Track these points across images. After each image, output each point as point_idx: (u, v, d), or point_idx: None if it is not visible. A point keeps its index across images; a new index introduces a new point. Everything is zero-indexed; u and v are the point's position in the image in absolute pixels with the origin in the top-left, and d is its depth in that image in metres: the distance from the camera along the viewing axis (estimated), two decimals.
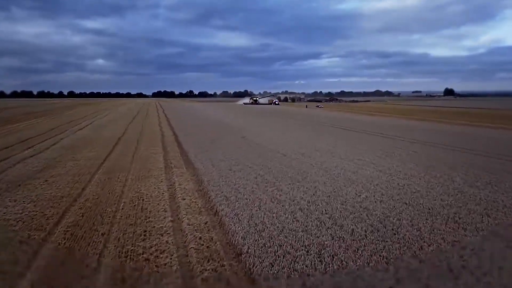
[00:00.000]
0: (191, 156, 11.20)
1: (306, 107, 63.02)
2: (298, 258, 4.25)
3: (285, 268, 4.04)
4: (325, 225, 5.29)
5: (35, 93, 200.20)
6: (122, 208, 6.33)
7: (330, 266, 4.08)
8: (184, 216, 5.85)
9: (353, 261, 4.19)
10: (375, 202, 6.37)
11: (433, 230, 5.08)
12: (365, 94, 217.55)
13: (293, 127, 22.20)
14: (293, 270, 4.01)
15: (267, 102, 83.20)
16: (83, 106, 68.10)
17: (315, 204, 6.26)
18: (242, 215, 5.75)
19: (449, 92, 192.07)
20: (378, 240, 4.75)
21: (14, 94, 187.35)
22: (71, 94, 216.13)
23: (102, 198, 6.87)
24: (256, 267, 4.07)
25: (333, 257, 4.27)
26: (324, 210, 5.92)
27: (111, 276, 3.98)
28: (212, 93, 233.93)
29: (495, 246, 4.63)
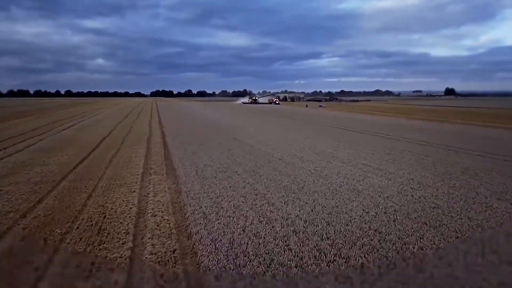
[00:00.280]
0: (175, 160, 9.99)
1: (306, 106, 61.58)
2: None
3: None
4: (326, 256, 4.08)
5: (32, 92, 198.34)
6: (77, 228, 5.12)
7: None
8: (148, 240, 4.64)
9: None
10: (388, 222, 5.16)
11: (468, 268, 3.87)
12: (365, 93, 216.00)
13: (292, 127, 20.97)
14: None
15: (267, 101, 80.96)
16: (79, 105, 66.89)
17: (313, 225, 5.05)
18: (220, 241, 4.54)
19: (450, 91, 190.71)
20: (397, 283, 3.54)
21: (11, 93, 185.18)
22: (69, 94, 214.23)
23: (56, 215, 5.65)
24: None
25: None
26: (324, 234, 4.71)
27: None
28: (211, 92, 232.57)
29: None
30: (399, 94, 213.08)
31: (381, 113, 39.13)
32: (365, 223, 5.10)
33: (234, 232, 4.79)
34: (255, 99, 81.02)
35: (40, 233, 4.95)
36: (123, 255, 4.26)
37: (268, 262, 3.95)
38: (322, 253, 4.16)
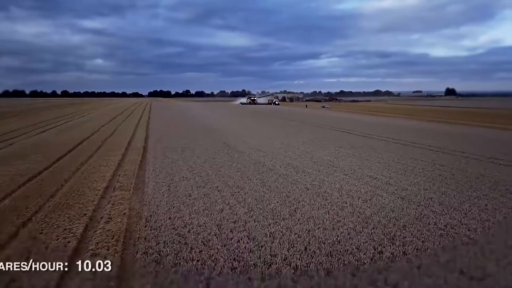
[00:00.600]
0: (149, 171, 8.54)
1: (306, 107, 59.94)
2: None
3: None
4: None
5: (27, 92, 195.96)
6: None
7: None
8: None
9: None
10: (411, 269, 3.72)
11: None
12: (365, 94, 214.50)
13: (289, 130, 19.51)
14: None
15: (266, 101, 78.82)
16: (72, 106, 65.46)
17: (308, 276, 3.60)
18: None
19: (450, 92, 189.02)
20: None
21: (6, 94, 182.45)
22: (65, 94, 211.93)
23: None
24: None
25: None
26: None
27: None
28: (209, 92, 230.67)
29: None
30: (399, 94, 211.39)
31: (382, 113, 37.66)
32: (378, 273, 3.65)
33: None
34: (254, 100, 78.73)
35: None
36: None
37: None
38: None
